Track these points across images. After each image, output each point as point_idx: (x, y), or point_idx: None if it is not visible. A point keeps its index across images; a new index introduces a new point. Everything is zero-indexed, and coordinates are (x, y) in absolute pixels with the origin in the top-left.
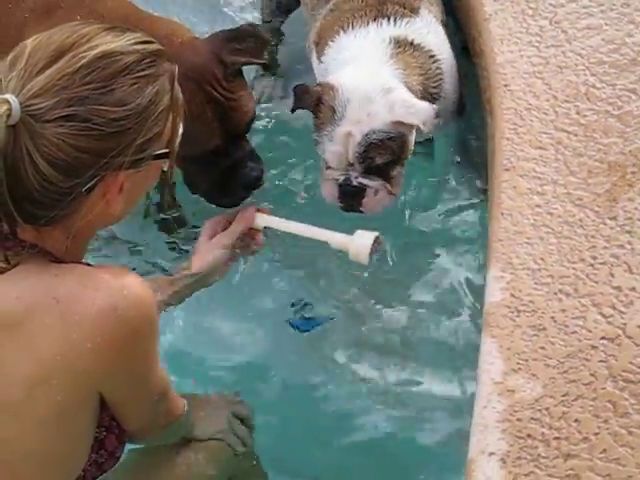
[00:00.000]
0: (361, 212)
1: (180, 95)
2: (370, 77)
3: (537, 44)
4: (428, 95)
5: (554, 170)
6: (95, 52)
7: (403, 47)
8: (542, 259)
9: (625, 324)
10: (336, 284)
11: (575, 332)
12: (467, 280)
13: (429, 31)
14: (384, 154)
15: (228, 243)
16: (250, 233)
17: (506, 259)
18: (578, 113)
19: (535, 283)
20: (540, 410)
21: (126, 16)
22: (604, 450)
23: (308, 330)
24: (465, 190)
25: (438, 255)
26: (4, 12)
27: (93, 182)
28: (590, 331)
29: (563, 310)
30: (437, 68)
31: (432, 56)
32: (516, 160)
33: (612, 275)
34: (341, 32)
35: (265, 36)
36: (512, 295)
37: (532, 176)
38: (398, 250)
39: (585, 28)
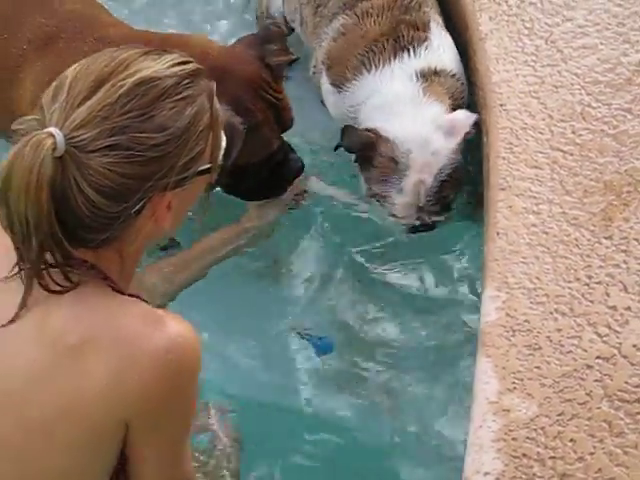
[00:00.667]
0: None
1: (220, 111)
2: (419, 122)
3: (533, 63)
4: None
5: (550, 189)
6: (133, 79)
7: (430, 79)
8: (538, 278)
9: (620, 343)
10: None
11: (570, 351)
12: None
13: (443, 48)
14: (453, 187)
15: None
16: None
17: (502, 278)
18: (574, 132)
19: (531, 302)
20: (535, 429)
21: (139, 39)
22: (599, 470)
23: (325, 353)
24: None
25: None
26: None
27: (141, 204)
28: (585, 350)
29: (559, 329)
30: (459, 83)
31: (453, 75)
32: (512, 179)
33: (608, 294)
34: (364, 71)
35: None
36: (507, 314)
37: (528, 195)
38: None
39: (581, 47)
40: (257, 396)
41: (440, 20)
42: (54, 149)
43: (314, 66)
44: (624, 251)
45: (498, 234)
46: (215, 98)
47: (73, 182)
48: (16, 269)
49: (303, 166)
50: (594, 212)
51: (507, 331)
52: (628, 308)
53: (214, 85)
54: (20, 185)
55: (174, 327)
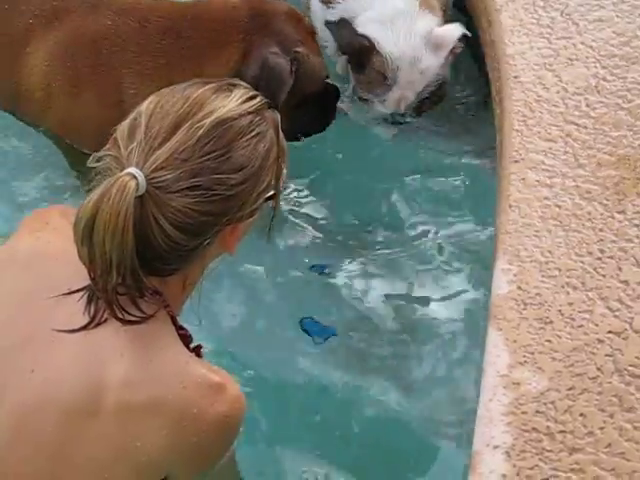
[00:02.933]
0: None
1: (284, 141)
2: (411, 36)
3: (548, 36)
4: None
5: (563, 163)
6: (211, 120)
7: None
8: (550, 252)
9: (632, 318)
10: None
11: (582, 326)
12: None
13: None
14: (433, 103)
15: None
16: None
17: (513, 251)
18: (588, 106)
19: (542, 276)
20: (545, 404)
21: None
22: (609, 444)
23: (322, 341)
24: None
25: None
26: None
27: (214, 236)
28: (597, 325)
29: (570, 303)
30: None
31: None
32: (525, 152)
33: (620, 269)
34: None
35: None
36: (519, 287)
37: (541, 168)
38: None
39: (596, 20)
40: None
41: None
42: (136, 190)
43: None
44: (637, 226)
45: (510, 206)
46: (280, 130)
47: (152, 220)
48: (83, 289)
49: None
50: (607, 186)
51: (518, 304)
52: None
53: (278, 116)
54: (107, 227)
55: (232, 392)
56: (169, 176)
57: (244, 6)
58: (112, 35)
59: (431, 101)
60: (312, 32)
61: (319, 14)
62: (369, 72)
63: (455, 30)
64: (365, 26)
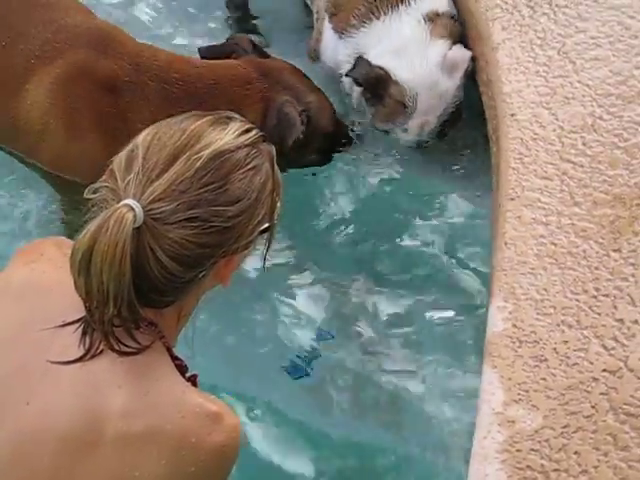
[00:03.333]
0: None
1: (279, 174)
2: (426, 62)
3: (544, 74)
4: None
5: (559, 201)
6: (208, 152)
7: (434, 21)
8: (545, 290)
9: (627, 357)
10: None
11: (577, 364)
12: None
13: None
14: (454, 123)
15: None
16: None
17: (509, 289)
18: (584, 144)
19: (538, 314)
20: (540, 441)
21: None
22: None
23: (300, 377)
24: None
25: None
26: None
27: (210, 268)
28: (592, 363)
29: (565, 341)
30: (457, 24)
31: (452, 17)
32: (521, 190)
33: (615, 307)
34: (373, 18)
35: None
36: (514, 325)
37: (537, 206)
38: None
39: (593, 59)
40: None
41: None
42: (134, 222)
43: (316, 12)
44: (632, 264)
45: (506, 244)
46: (275, 162)
47: (149, 251)
48: (77, 321)
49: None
50: (603, 224)
51: (513, 342)
52: (635, 321)
53: (273, 149)
54: (104, 258)
55: (229, 422)
56: (167, 208)
57: (250, 67)
58: (129, 85)
59: (452, 122)
60: (312, 83)
61: (331, 45)
62: (388, 103)
63: (465, 52)
64: (379, 58)
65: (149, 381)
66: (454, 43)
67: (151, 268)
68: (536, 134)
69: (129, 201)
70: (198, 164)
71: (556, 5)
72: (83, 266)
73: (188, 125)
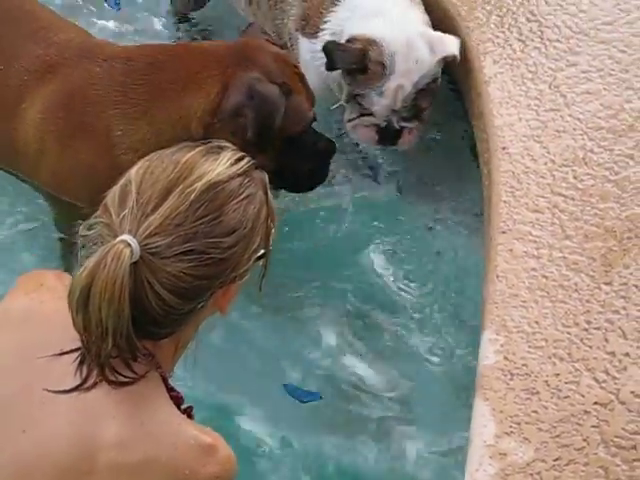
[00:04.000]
0: (395, 148)
1: (273, 201)
2: (405, 25)
3: (536, 107)
4: None
5: (550, 234)
6: (201, 184)
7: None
8: (537, 322)
9: (618, 390)
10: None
11: (568, 397)
12: None
13: None
14: (428, 97)
15: None
16: None
17: (501, 322)
18: (575, 177)
19: (529, 346)
20: (532, 474)
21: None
22: None
23: (306, 401)
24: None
25: None
26: None
27: (208, 298)
28: (583, 396)
29: (557, 374)
30: None
31: None
32: (512, 223)
33: (606, 340)
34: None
35: None
36: (506, 358)
37: (528, 239)
38: None
39: (584, 93)
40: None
41: None
42: (131, 257)
43: (289, 33)
44: (623, 297)
45: (498, 277)
46: (268, 189)
47: (147, 285)
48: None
49: (334, 144)
50: (594, 257)
51: (505, 374)
52: (627, 354)
53: (265, 176)
54: (103, 295)
55: (223, 453)
56: (163, 242)
57: (230, 45)
58: (99, 80)
59: (426, 95)
60: (299, 75)
61: (308, 55)
62: (372, 66)
63: (455, 42)
64: (355, 27)
65: (144, 412)
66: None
67: (149, 301)
68: (527, 167)
69: (125, 237)
70: (192, 197)
71: (547, 39)
72: (81, 303)
73: (180, 157)
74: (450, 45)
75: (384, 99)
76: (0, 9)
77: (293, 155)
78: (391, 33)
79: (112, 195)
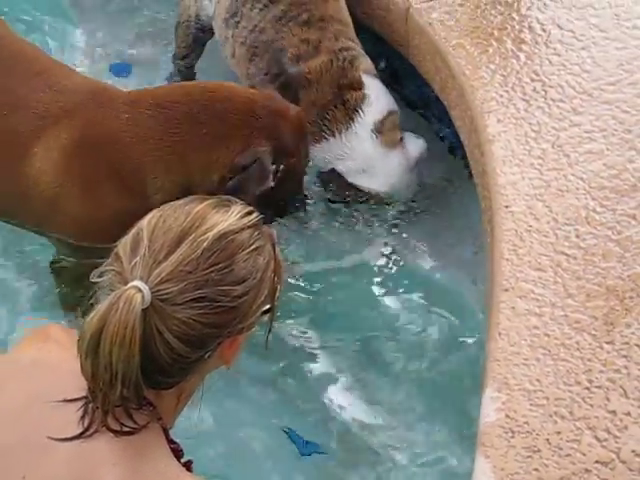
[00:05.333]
0: None
1: (280, 256)
2: (393, 173)
3: (539, 167)
4: None
5: (553, 292)
6: (213, 233)
7: (381, 130)
8: (538, 380)
9: (619, 449)
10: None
11: (569, 455)
12: None
13: (377, 97)
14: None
15: None
16: None
17: (502, 379)
18: (578, 236)
19: (531, 404)
20: None
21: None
22: None
23: (308, 454)
24: None
25: None
26: None
27: (215, 348)
28: (584, 454)
29: (558, 432)
30: (396, 117)
31: (390, 113)
32: (515, 281)
33: (608, 399)
34: (329, 137)
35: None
36: (507, 416)
37: (530, 297)
38: None
39: (587, 152)
40: None
41: (367, 66)
42: (142, 303)
43: None
44: (625, 356)
45: (500, 335)
46: (276, 244)
47: (156, 332)
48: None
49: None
50: (596, 316)
51: (506, 432)
52: (628, 413)
53: (274, 232)
54: (114, 340)
55: None
56: (174, 288)
57: (259, 101)
58: (129, 126)
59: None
60: (305, 137)
61: None
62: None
63: (420, 146)
64: (351, 177)
65: (144, 462)
66: (401, 137)
67: (157, 349)
68: (530, 226)
69: (137, 282)
70: (204, 245)
71: (551, 99)
72: (91, 348)
73: (192, 208)
74: (418, 154)
75: None
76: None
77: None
78: (387, 188)
79: (123, 244)
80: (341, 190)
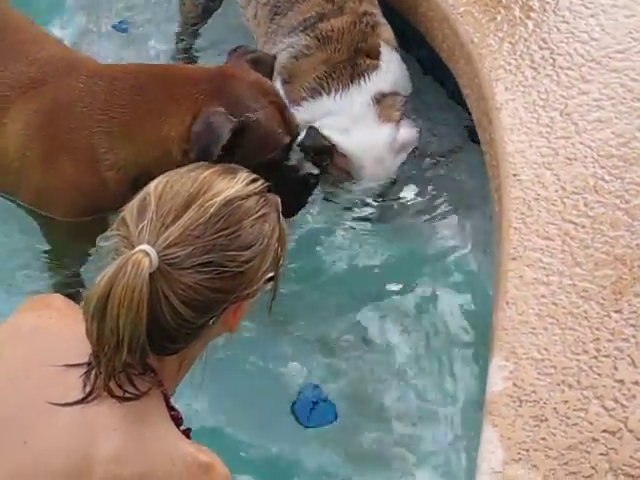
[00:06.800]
0: None
1: (284, 224)
2: (374, 140)
3: (547, 135)
4: None
5: (560, 261)
6: (221, 199)
7: (381, 102)
8: (546, 349)
9: (627, 418)
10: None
11: (576, 424)
12: None
13: (390, 71)
14: (396, 187)
15: None
16: None
17: (510, 348)
18: (586, 205)
19: (538, 373)
20: None
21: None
22: None
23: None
24: None
25: None
26: None
27: (220, 314)
28: (592, 423)
29: (565, 401)
30: (402, 98)
31: (396, 93)
32: (523, 250)
33: (615, 368)
34: (323, 93)
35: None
36: (514, 385)
37: (538, 266)
38: None
39: (595, 121)
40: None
41: (388, 36)
42: (150, 267)
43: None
44: (633, 325)
45: (507, 304)
46: (280, 212)
47: (162, 296)
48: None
49: (318, 177)
50: (604, 285)
51: (514, 401)
52: (636, 382)
53: (278, 199)
54: (122, 303)
55: (219, 472)
56: (182, 252)
57: (209, 71)
58: (83, 97)
59: (394, 186)
60: (276, 104)
61: None
62: (333, 171)
63: (413, 134)
64: (327, 131)
65: (144, 427)
66: (400, 119)
67: (163, 314)
68: (538, 194)
69: (144, 246)
70: (212, 210)
71: (559, 67)
72: (98, 311)
73: (198, 174)
74: (410, 141)
75: (352, 195)
76: None
77: (270, 180)
78: (361, 150)
79: (130, 208)
80: (309, 143)
